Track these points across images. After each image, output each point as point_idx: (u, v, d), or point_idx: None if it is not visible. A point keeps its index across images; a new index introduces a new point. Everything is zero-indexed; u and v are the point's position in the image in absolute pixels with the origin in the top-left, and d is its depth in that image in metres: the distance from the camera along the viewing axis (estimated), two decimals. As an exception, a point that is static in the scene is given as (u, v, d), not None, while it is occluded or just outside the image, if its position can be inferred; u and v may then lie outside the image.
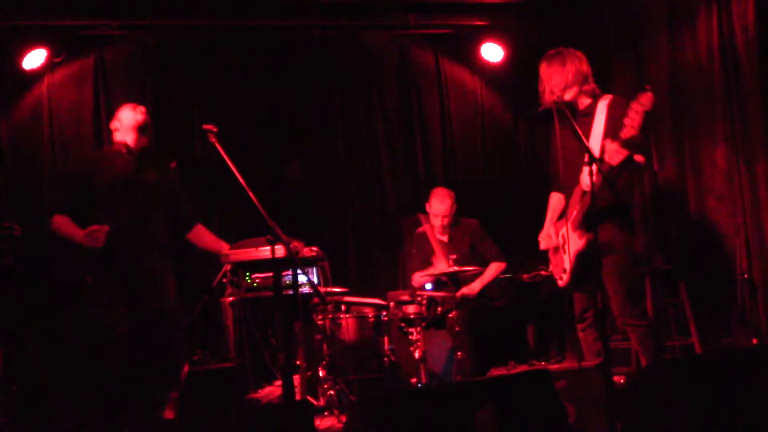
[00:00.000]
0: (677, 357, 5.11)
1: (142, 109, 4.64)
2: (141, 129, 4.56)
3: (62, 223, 4.45)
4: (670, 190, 5.89)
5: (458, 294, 5.36)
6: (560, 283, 4.30)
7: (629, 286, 4.11)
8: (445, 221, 5.67)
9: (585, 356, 4.29)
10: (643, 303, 4.89)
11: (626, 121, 3.76)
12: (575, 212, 4.14)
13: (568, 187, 4.22)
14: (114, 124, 4.62)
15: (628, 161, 3.93)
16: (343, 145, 6.73)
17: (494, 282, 5.76)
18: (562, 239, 4.26)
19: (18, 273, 5.15)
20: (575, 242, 4.14)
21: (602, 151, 3.91)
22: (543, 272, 5.82)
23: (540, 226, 4.49)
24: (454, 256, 5.35)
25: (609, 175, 3.85)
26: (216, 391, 5.05)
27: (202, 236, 4.74)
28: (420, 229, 5.81)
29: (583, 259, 4.11)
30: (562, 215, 4.28)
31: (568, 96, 4.17)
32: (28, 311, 5.48)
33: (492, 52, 6.82)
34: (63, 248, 5.82)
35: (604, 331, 3.77)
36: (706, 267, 5.60)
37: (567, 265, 4.21)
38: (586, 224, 4.05)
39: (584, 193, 4.02)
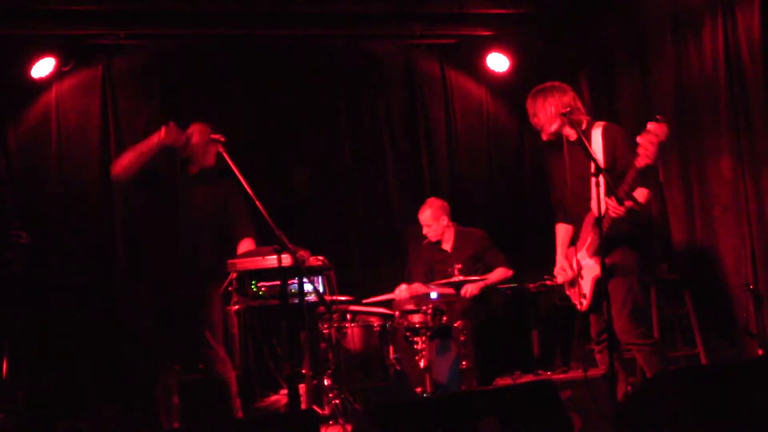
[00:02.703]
0: (682, 367, 5.09)
1: (190, 134, 4.34)
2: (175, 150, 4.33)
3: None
4: (676, 201, 5.89)
5: (461, 292, 5.35)
6: (580, 308, 4.30)
7: (634, 305, 4.12)
8: (427, 231, 5.67)
9: None
10: (648, 322, 4.86)
11: (640, 150, 3.79)
12: (590, 239, 4.17)
13: (575, 215, 4.26)
14: None
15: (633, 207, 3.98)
16: (349, 154, 6.74)
17: (498, 292, 5.75)
18: (577, 265, 4.26)
19: (26, 280, 5.17)
20: (593, 268, 4.14)
21: (607, 207, 3.92)
22: (548, 281, 5.82)
23: (543, 231, 4.50)
24: (459, 265, 5.35)
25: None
26: (221, 400, 5.05)
27: (240, 251, 4.52)
28: (428, 240, 5.81)
29: (601, 283, 4.10)
30: (572, 244, 4.32)
31: (553, 128, 4.24)
32: (35, 318, 5.50)
33: (497, 62, 6.84)
34: (70, 253, 5.92)
35: (611, 341, 3.78)
36: (712, 277, 5.59)
37: (586, 290, 4.23)
38: (602, 250, 4.01)
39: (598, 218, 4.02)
